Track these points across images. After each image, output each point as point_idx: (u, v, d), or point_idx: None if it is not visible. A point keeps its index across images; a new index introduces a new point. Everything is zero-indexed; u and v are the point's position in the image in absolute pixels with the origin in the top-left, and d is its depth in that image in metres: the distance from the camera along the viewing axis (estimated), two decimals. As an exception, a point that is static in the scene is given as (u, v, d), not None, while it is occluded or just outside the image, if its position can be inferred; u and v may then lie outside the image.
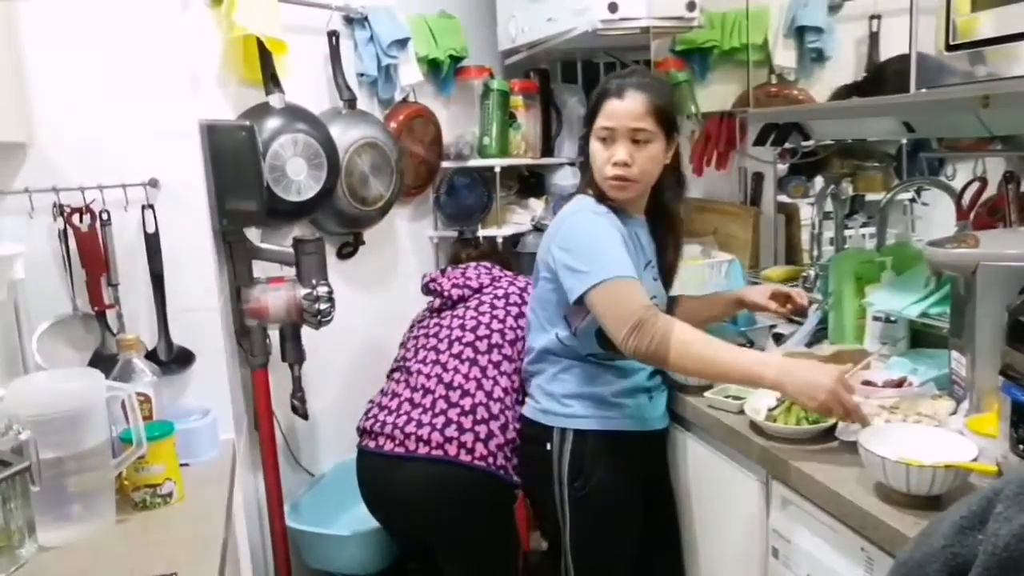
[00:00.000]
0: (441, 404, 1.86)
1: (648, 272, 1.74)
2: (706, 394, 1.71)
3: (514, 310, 1.99)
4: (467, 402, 1.85)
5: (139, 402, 1.45)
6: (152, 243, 1.69)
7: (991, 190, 1.72)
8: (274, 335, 2.15)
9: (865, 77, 1.67)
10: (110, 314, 1.68)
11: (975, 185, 1.75)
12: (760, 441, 1.50)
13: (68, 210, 1.62)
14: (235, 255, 1.99)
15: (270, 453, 2.11)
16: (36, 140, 1.62)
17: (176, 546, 1.34)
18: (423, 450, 1.81)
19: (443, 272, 2.14)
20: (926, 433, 1.32)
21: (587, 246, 1.59)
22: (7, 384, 1.39)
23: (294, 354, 2.13)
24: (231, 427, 1.81)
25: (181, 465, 1.54)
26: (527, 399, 1.80)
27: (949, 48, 1.34)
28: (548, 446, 1.70)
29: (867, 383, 1.58)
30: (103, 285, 1.67)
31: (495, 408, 1.85)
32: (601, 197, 1.68)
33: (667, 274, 1.84)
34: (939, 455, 1.20)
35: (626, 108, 1.60)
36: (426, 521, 1.88)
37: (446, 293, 2.06)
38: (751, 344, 1.98)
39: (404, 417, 1.87)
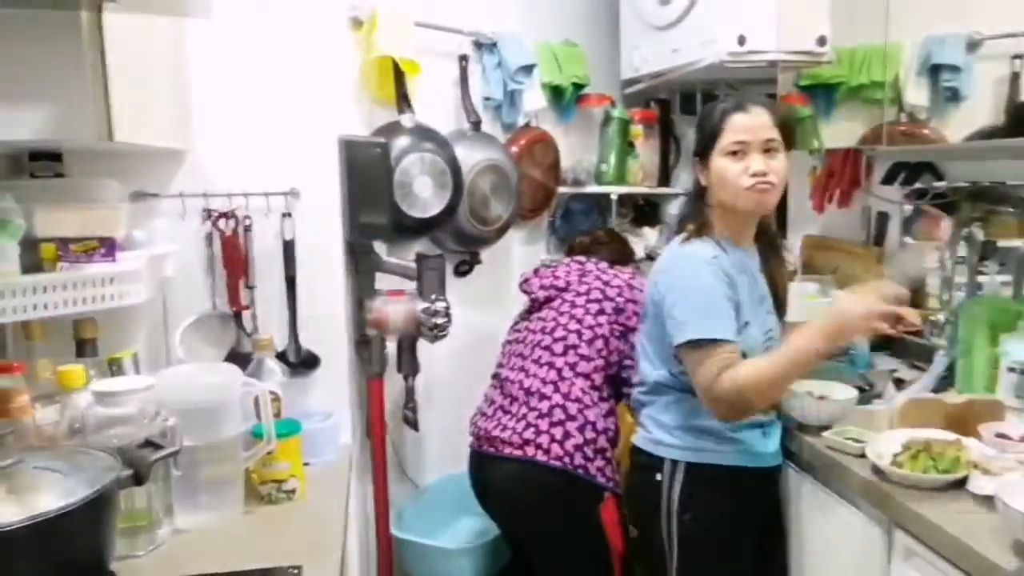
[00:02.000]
0: (523, 409, 1.97)
1: (763, 306, 1.70)
2: (824, 434, 1.66)
3: (594, 307, 2.04)
4: (544, 405, 1.95)
5: (270, 400, 1.53)
6: (289, 249, 1.79)
7: None
8: (390, 347, 2.21)
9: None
10: (246, 315, 1.79)
11: None
12: (883, 486, 1.45)
13: (216, 214, 1.73)
14: (360, 266, 2.06)
15: (380, 461, 2.16)
16: (192, 148, 1.73)
17: (298, 542, 1.39)
18: (507, 450, 1.95)
19: (536, 272, 2.21)
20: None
21: (690, 296, 1.59)
22: (153, 374, 1.49)
23: (409, 366, 2.19)
24: (350, 431, 1.87)
25: (304, 464, 1.60)
26: (639, 428, 1.79)
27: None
28: (658, 476, 1.68)
29: (1001, 436, 1.51)
30: (241, 287, 1.77)
31: (572, 409, 1.93)
32: (703, 230, 1.65)
33: (782, 302, 1.82)
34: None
35: (755, 121, 1.60)
36: (515, 518, 2.03)
37: (533, 295, 2.15)
38: (871, 387, 1.92)
39: (495, 422, 2.01)
